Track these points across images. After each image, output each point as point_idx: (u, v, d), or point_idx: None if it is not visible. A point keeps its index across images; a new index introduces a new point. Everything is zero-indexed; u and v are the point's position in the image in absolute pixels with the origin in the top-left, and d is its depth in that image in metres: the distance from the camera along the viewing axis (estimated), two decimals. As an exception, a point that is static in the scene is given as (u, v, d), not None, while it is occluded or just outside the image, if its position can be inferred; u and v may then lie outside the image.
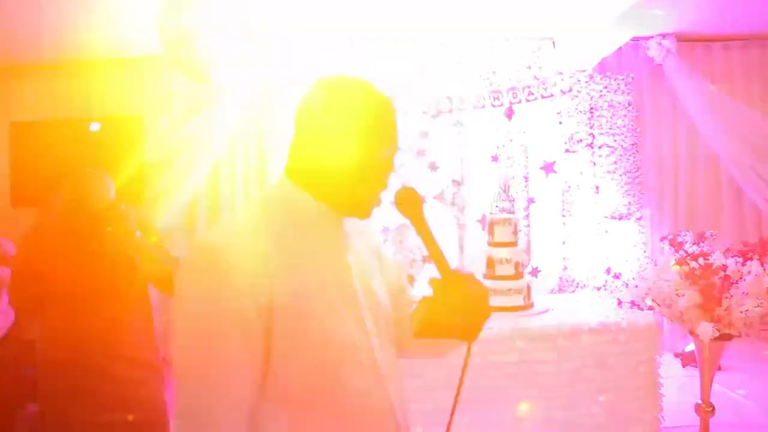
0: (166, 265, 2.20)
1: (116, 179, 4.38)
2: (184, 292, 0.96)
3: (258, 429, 0.98)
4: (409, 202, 1.08)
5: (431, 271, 1.06)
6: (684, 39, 4.45)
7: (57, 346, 2.15)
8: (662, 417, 2.76)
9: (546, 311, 3.02)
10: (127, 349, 2.16)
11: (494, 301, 3.00)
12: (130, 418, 2.07)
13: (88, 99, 4.77)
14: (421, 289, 1.13)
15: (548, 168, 4.22)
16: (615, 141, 4.30)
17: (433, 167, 4.21)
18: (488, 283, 3.02)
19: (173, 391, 0.95)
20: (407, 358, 1.23)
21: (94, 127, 4.60)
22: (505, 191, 3.32)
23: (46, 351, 2.19)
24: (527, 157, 4.30)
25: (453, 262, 4.18)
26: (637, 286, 2.87)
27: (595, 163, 4.29)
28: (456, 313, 1.01)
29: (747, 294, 2.50)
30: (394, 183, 1.08)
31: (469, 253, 4.19)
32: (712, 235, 2.93)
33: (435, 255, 1.05)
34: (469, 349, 1.07)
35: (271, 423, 0.98)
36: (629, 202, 4.27)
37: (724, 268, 2.59)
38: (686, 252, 2.75)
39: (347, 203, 1.08)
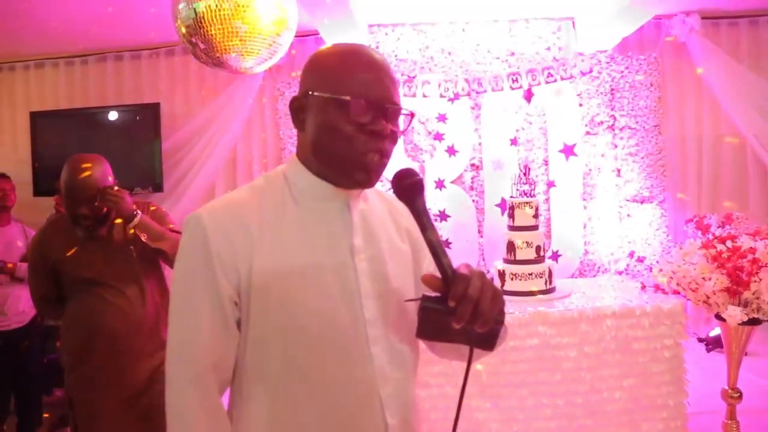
0: (171, 239, 2.21)
1: (134, 167, 4.43)
2: (178, 253, 1.01)
3: (240, 407, 0.99)
4: (403, 184, 0.97)
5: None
6: (708, 16, 4.32)
7: (75, 333, 2.16)
8: (687, 403, 2.70)
9: (568, 295, 2.97)
10: (146, 331, 2.16)
11: (515, 285, 2.96)
12: (156, 400, 2.06)
13: (104, 88, 4.79)
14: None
15: (568, 151, 4.13)
16: (637, 122, 4.19)
17: (452, 151, 4.15)
18: (509, 268, 2.97)
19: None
20: (443, 358, 1.15)
21: (112, 115, 4.61)
22: (525, 174, 3.26)
23: (66, 339, 2.21)
24: (547, 140, 4.22)
25: (472, 247, 4.15)
26: (661, 270, 2.80)
27: (616, 146, 4.20)
28: (457, 318, 0.88)
29: (777, 277, 2.43)
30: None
31: (489, 238, 4.14)
32: (738, 218, 2.85)
33: (432, 246, 0.93)
34: (470, 353, 0.94)
35: (253, 403, 0.99)
36: (652, 185, 4.18)
37: (753, 251, 2.51)
38: (713, 234, 2.67)
39: (335, 171, 1.01)
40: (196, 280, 0.97)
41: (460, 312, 0.87)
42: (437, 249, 0.93)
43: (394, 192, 0.99)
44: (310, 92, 1.00)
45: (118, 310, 2.12)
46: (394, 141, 1.02)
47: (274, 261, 0.97)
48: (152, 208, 2.35)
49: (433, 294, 0.91)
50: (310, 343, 0.98)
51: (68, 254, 2.16)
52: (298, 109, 1.03)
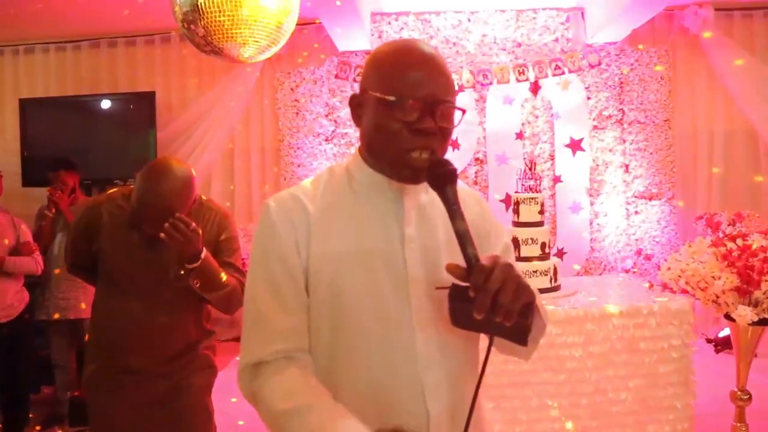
0: (225, 292, 1.95)
1: (129, 158, 4.44)
2: (254, 237, 1.12)
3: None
4: (435, 174, 1.02)
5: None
6: (722, 7, 4.33)
7: (107, 331, 2.01)
8: (695, 404, 2.72)
9: (573, 294, 2.98)
10: (162, 350, 2.02)
11: (519, 283, 2.98)
12: (171, 408, 1.99)
13: (98, 75, 4.79)
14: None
15: (575, 145, 4.15)
16: (646, 117, 4.22)
17: (456, 145, 4.16)
18: (513, 265, 2.99)
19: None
20: (504, 354, 1.16)
21: (105, 104, 4.61)
22: (530, 169, 3.27)
23: (98, 334, 2.06)
24: (553, 134, 4.24)
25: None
26: (669, 268, 2.82)
27: (624, 140, 4.22)
28: (477, 308, 0.89)
29: (788, 277, 2.44)
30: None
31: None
32: (749, 216, 2.86)
33: (459, 236, 0.95)
34: (490, 343, 0.96)
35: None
36: (661, 181, 4.20)
37: (764, 249, 2.52)
38: (723, 233, 2.69)
39: (387, 167, 1.07)
40: (269, 257, 1.07)
41: (479, 302, 0.89)
42: (464, 238, 0.95)
43: (427, 179, 1.03)
44: (366, 90, 1.07)
45: (145, 334, 1.97)
46: (446, 137, 1.06)
47: (327, 246, 1.06)
48: (222, 237, 2.03)
49: (463, 284, 0.93)
50: (355, 325, 1.04)
51: (115, 250, 1.97)
52: (356, 106, 1.10)
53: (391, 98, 1.02)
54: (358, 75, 4.23)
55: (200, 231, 1.83)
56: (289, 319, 1.06)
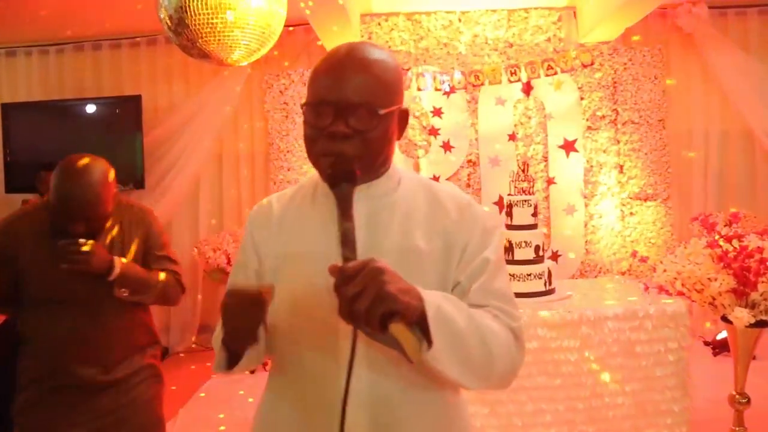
0: (156, 291, 1.95)
1: (115, 163, 4.41)
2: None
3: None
4: (335, 169, 1.02)
5: None
6: (716, 5, 4.36)
7: (43, 352, 1.91)
8: (693, 408, 2.73)
9: (568, 297, 2.99)
10: (108, 354, 1.94)
11: (513, 286, 2.98)
12: (120, 423, 1.92)
13: (82, 79, 4.77)
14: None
15: (569, 146, 4.17)
16: (640, 117, 4.23)
17: (447, 147, 4.17)
18: (507, 268, 3.00)
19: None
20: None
21: (90, 108, 4.59)
22: (523, 171, 3.28)
23: (30, 357, 1.93)
24: (547, 136, 4.25)
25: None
26: (665, 270, 2.83)
27: (618, 141, 4.24)
28: (339, 313, 0.87)
29: (785, 278, 2.46)
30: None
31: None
32: (745, 216, 2.88)
33: (341, 237, 0.94)
34: (354, 333, 0.91)
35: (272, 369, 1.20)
36: (656, 182, 4.22)
37: (761, 250, 2.54)
38: (719, 233, 2.70)
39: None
40: (240, 260, 1.22)
41: (339, 306, 0.87)
42: (344, 238, 0.94)
43: (324, 174, 1.05)
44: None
45: (93, 340, 1.90)
46: (367, 141, 1.04)
47: (277, 248, 1.15)
48: (146, 222, 2.02)
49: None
50: (286, 326, 1.12)
51: (38, 262, 1.86)
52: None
53: (303, 103, 1.07)
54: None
55: (95, 245, 1.76)
56: None
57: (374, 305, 0.85)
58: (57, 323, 1.88)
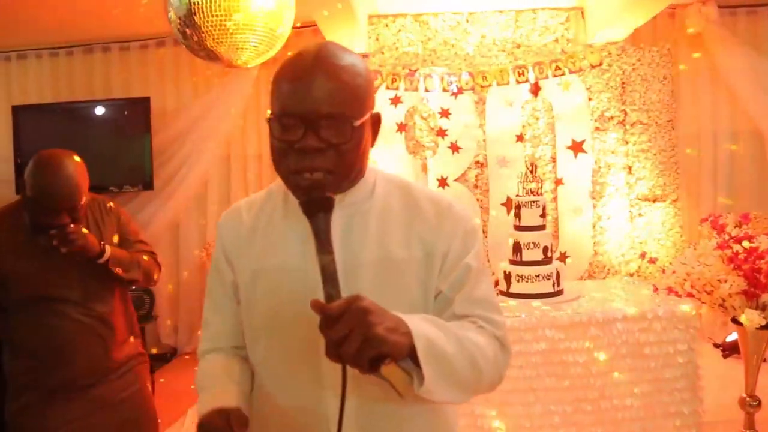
0: (143, 268, 2.06)
1: (124, 164, 4.45)
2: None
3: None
4: (310, 198, 0.95)
5: None
6: (725, 5, 4.33)
7: (31, 354, 1.91)
8: (702, 411, 2.72)
9: (576, 298, 2.98)
10: (113, 354, 1.99)
11: (521, 287, 2.98)
12: (114, 421, 1.96)
13: (92, 81, 4.80)
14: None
15: (577, 147, 4.15)
16: (649, 117, 4.21)
17: (455, 148, 4.16)
18: (515, 269, 2.99)
19: None
20: None
21: (99, 110, 4.62)
22: (531, 172, 3.28)
23: (19, 360, 1.93)
24: (555, 136, 4.23)
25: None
26: (674, 272, 2.82)
27: (627, 142, 4.22)
28: (327, 353, 0.84)
29: (796, 279, 2.44)
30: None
31: (494, 238, 4.16)
32: (756, 217, 2.86)
33: (321, 273, 0.89)
34: (343, 371, 0.87)
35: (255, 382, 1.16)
36: (664, 183, 4.19)
37: (771, 251, 2.52)
38: (729, 235, 2.69)
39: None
40: (215, 271, 1.19)
41: (326, 348, 0.84)
42: (324, 274, 0.89)
43: (300, 204, 0.96)
44: None
45: (89, 332, 1.93)
46: (342, 154, 0.97)
47: (251, 263, 1.11)
48: (115, 212, 2.11)
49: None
50: (263, 341, 1.10)
51: (23, 265, 1.86)
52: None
53: (269, 116, 0.98)
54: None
55: (81, 228, 1.87)
56: (219, 320, 1.19)
57: (363, 349, 0.82)
58: (50, 321, 1.89)
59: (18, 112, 4.55)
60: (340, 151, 0.97)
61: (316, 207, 0.93)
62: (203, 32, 2.57)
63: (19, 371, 1.93)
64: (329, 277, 0.89)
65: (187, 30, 2.59)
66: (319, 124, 0.95)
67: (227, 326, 1.18)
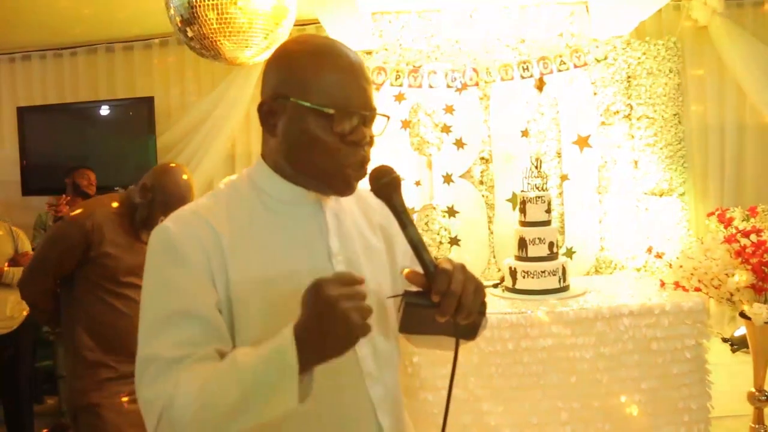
0: None
1: (128, 164, 4.46)
2: (145, 276, 0.99)
3: None
4: (380, 183, 1.01)
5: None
6: (732, -3, 4.30)
7: (108, 333, 2.23)
8: (711, 406, 2.70)
9: (583, 294, 2.97)
10: None
11: (527, 283, 2.97)
12: None
13: (96, 81, 4.82)
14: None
15: (583, 142, 4.12)
16: (655, 111, 4.18)
17: (460, 144, 4.15)
18: (520, 265, 2.98)
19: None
20: (421, 348, 1.21)
21: (104, 110, 4.64)
22: (536, 168, 3.27)
23: (93, 339, 2.23)
24: (560, 131, 4.22)
25: (482, 244, 4.16)
26: (681, 266, 2.80)
27: (633, 136, 4.19)
28: (442, 311, 0.92)
29: (804, 272, 2.43)
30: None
31: (500, 234, 4.14)
32: (763, 211, 2.85)
33: (412, 243, 0.97)
34: (456, 347, 0.97)
35: None
36: (671, 177, 4.17)
37: (779, 244, 2.51)
38: (736, 228, 2.67)
39: (315, 180, 1.03)
40: (179, 288, 0.94)
41: (444, 306, 0.92)
42: (418, 245, 0.97)
43: (372, 190, 1.02)
44: (287, 97, 1.00)
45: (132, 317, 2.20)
46: (372, 145, 1.05)
47: (251, 271, 0.98)
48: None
49: (415, 289, 0.96)
50: None
51: (122, 246, 2.24)
52: (268, 113, 1.03)
53: (330, 111, 0.97)
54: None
55: None
56: (196, 321, 0.95)
57: (476, 297, 0.94)
58: (122, 312, 2.22)
59: (23, 113, 4.58)
60: (372, 144, 1.05)
61: (391, 188, 1.00)
62: (204, 30, 2.57)
63: (93, 348, 2.21)
64: (423, 246, 0.97)
65: (188, 28, 2.59)
66: (370, 119, 1.02)
67: (210, 326, 0.96)
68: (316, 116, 0.98)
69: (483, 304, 0.97)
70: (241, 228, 1.00)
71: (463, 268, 0.94)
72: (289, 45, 1.05)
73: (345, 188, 1.03)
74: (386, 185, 1.00)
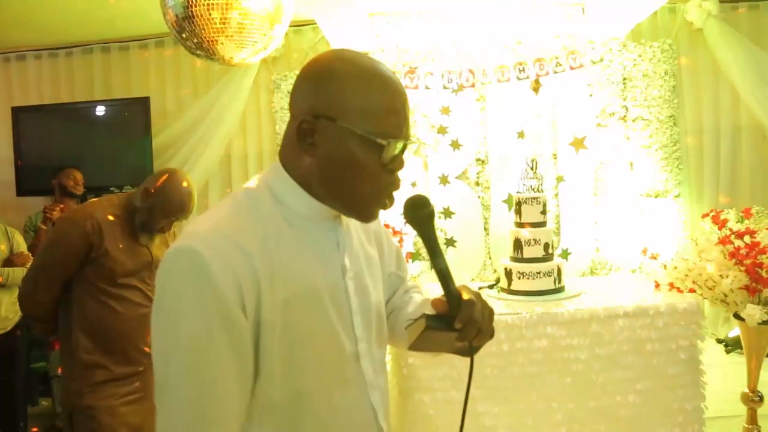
0: None
1: (124, 165, 4.45)
2: (167, 305, 0.90)
3: None
4: (419, 215, 1.06)
5: (448, 257, 1.08)
6: (727, -1, 4.33)
7: (104, 334, 2.23)
8: (705, 406, 2.71)
9: (578, 295, 2.98)
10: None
11: (522, 284, 2.98)
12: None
13: (91, 81, 4.81)
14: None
15: (578, 143, 4.15)
16: (650, 113, 4.21)
17: (456, 145, 4.16)
18: (516, 266, 2.99)
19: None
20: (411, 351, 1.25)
21: (99, 110, 4.63)
22: (532, 169, 3.27)
23: (90, 340, 2.23)
24: (556, 133, 4.23)
25: (478, 245, 4.17)
26: (676, 267, 2.82)
27: (629, 138, 4.21)
28: (462, 337, 1.02)
29: (797, 273, 2.44)
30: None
31: (496, 235, 4.16)
32: (758, 212, 2.86)
33: (441, 274, 1.04)
34: (471, 366, 1.08)
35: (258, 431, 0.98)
36: (666, 179, 4.19)
37: (773, 245, 2.52)
38: (730, 230, 2.69)
39: (347, 206, 1.03)
40: (214, 335, 0.88)
41: (466, 333, 1.02)
42: (446, 275, 1.04)
43: (406, 220, 1.07)
44: (333, 120, 0.96)
45: (145, 315, 2.24)
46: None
47: (278, 292, 0.94)
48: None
49: (433, 313, 1.03)
50: (314, 368, 0.99)
51: (121, 248, 2.26)
52: (307, 131, 0.98)
53: (383, 142, 0.96)
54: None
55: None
56: (233, 411, 0.92)
57: (490, 322, 1.06)
58: (119, 311, 2.23)
59: (18, 113, 4.56)
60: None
61: (427, 220, 1.06)
62: (200, 31, 2.57)
63: (89, 350, 2.21)
64: (450, 277, 1.03)
65: (184, 29, 2.59)
66: (407, 147, 1.03)
67: (241, 397, 0.93)
68: (363, 143, 0.96)
69: (493, 329, 1.07)
70: (268, 247, 0.96)
71: (479, 296, 1.04)
72: (333, 63, 1.00)
73: (372, 215, 1.04)
74: (424, 217, 1.06)
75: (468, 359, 1.07)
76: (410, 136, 1.04)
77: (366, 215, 1.04)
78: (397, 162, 1.00)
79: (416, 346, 1.05)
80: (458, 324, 1.00)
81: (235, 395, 0.91)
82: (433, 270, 1.05)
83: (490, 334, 1.06)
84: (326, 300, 1.01)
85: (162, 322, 0.90)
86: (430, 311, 1.03)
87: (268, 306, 0.93)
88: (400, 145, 0.98)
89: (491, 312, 1.05)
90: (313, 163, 0.99)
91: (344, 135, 0.96)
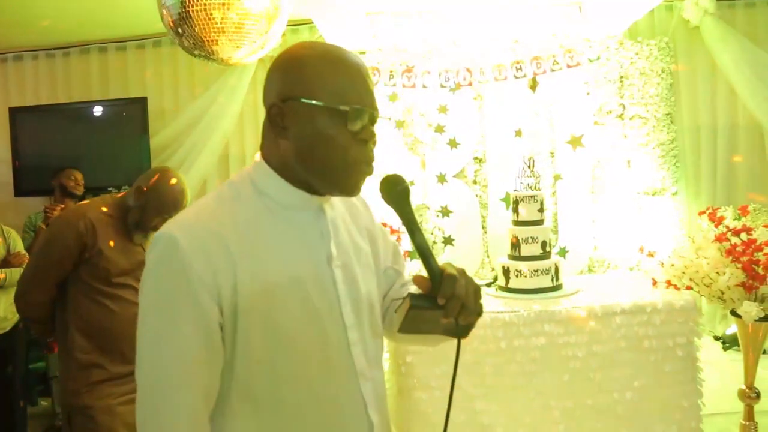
0: None
1: (121, 165, 4.45)
2: (146, 285, 0.98)
3: (223, 427, 1.01)
4: (394, 191, 1.06)
5: (446, 256, 1.07)
6: (723, -3, 4.34)
7: (100, 333, 2.22)
8: (702, 403, 2.72)
9: (576, 292, 2.99)
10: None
11: (520, 282, 2.98)
12: None
13: (89, 81, 4.81)
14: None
15: (576, 142, 4.15)
16: (648, 111, 4.21)
17: (453, 144, 4.17)
18: (513, 264, 3.00)
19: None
20: (403, 345, 1.26)
21: (97, 110, 4.63)
22: (530, 167, 3.28)
23: (87, 340, 2.23)
24: (553, 131, 4.24)
25: (476, 243, 4.18)
26: (673, 265, 2.82)
27: (626, 136, 4.22)
28: (446, 313, 0.99)
29: (794, 270, 2.45)
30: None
31: (493, 233, 4.16)
32: (754, 209, 2.87)
33: (420, 250, 1.02)
34: (458, 346, 1.04)
35: (238, 421, 1.01)
36: (664, 177, 4.20)
37: (769, 243, 2.53)
38: (727, 227, 2.69)
39: (326, 180, 1.05)
40: (179, 311, 0.94)
41: (449, 308, 0.99)
42: (426, 252, 1.02)
43: (383, 197, 1.06)
44: (297, 99, 1.01)
45: (126, 315, 2.20)
46: (376, 145, 1.09)
47: (257, 279, 0.98)
48: None
49: (418, 292, 1.02)
50: (296, 356, 1.02)
51: (115, 247, 2.25)
52: (277, 115, 1.03)
53: (345, 108, 1.00)
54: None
55: None
56: (199, 390, 0.96)
57: (477, 299, 1.02)
58: (115, 312, 2.21)
59: (15, 113, 4.56)
60: (375, 144, 1.08)
61: (404, 197, 1.05)
62: (197, 30, 2.57)
63: (86, 350, 2.20)
64: (429, 251, 1.02)
65: (181, 28, 2.59)
66: (375, 118, 1.06)
67: (209, 374, 0.97)
68: (329, 115, 1.01)
69: (481, 306, 1.03)
70: (247, 235, 1.00)
71: (463, 272, 1.01)
72: (296, 50, 1.06)
73: (354, 187, 1.06)
74: (399, 194, 1.05)
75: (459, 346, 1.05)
76: (376, 108, 1.05)
77: (349, 187, 1.05)
78: (367, 131, 1.03)
79: (405, 327, 1.03)
80: (441, 300, 0.98)
81: (201, 364, 0.95)
82: (413, 247, 1.04)
83: (477, 312, 1.02)
84: (309, 287, 1.03)
85: (141, 297, 0.98)
86: (416, 291, 1.03)
87: (246, 292, 0.97)
88: (365, 113, 1.02)
89: (477, 288, 1.02)
90: (287, 146, 1.03)
91: (310, 111, 1.01)
